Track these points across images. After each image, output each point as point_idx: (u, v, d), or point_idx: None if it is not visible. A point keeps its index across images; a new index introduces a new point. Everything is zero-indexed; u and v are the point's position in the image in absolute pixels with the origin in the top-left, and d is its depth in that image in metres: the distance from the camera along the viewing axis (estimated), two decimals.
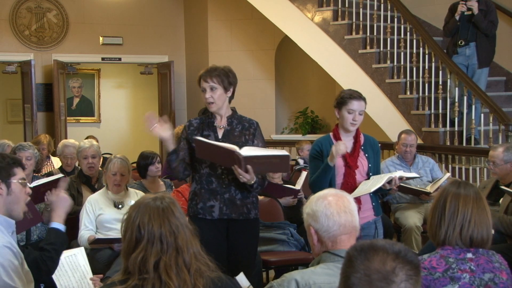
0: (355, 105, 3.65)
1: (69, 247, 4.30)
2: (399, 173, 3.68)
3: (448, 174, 5.57)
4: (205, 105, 3.61)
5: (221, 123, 3.58)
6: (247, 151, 3.29)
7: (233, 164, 3.32)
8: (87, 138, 6.89)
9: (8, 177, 2.53)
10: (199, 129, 3.57)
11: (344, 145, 3.58)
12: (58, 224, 2.79)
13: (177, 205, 2.04)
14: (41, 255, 2.65)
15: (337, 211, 2.19)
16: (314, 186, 3.64)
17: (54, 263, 2.70)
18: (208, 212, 3.49)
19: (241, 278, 2.63)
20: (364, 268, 1.54)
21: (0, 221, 2.49)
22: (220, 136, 3.55)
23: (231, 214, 3.51)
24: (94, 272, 3.33)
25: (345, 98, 3.66)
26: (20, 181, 2.57)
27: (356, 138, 3.75)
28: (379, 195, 3.94)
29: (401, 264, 1.53)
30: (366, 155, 3.74)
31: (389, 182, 3.59)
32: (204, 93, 3.51)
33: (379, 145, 3.94)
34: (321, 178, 3.60)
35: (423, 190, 5.17)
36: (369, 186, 3.59)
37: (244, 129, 3.59)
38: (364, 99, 3.70)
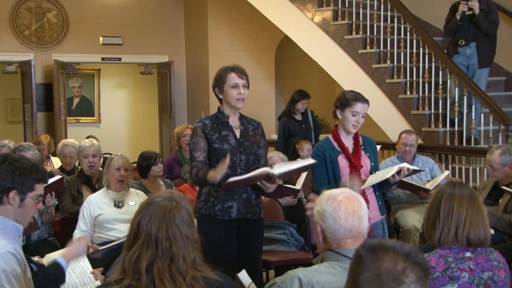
0: (359, 107, 3.65)
1: None
2: (405, 165, 3.71)
3: (447, 172, 5.57)
4: (233, 102, 3.56)
5: (235, 123, 3.61)
6: (278, 168, 3.39)
7: (260, 180, 3.41)
8: (87, 138, 6.89)
9: (26, 192, 2.52)
10: (215, 129, 3.54)
11: (358, 185, 3.50)
12: (63, 260, 2.78)
13: (182, 212, 2.00)
14: (36, 275, 2.65)
15: (345, 215, 2.15)
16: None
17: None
18: (226, 213, 3.49)
19: (243, 275, 2.64)
20: (374, 267, 1.53)
21: (8, 226, 2.49)
22: (238, 135, 3.57)
23: (247, 214, 3.54)
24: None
25: (350, 99, 3.66)
26: (35, 197, 2.56)
27: (356, 138, 3.77)
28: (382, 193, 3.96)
29: (411, 266, 1.52)
30: (367, 154, 3.77)
31: (398, 173, 3.61)
32: (236, 89, 3.53)
33: (378, 146, 3.96)
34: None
35: (422, 186, 5.18)
36: (380, 176, 3.61)
37: (255, 128, 3.67)
38: (367, 101, 3.71)
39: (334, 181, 3.66)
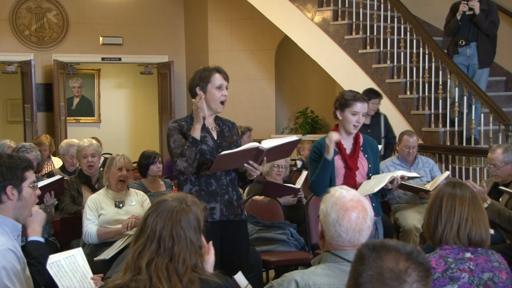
0: (359, 107, 3.64)
1: (70, 247, 4.31)
2: (400, 173, 3.68)
3: (448, 173, 5.57)
4: (214, 104, 3.50)
5: (210, 125, 3.58)
6: (267, 143, 3.35)
7: (247, 161, 3.35)
8: None
9: (20, 182, 2.54)
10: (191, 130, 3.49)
11: (337, 134, 3.57)
12: (36, 237, 2.76)
13: (190, 216, 2.01)
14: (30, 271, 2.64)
15: (346, 228, 2.11)
16: (314, 184, 3.67)
17: (41, 275, 2.68)
18: (209, 214, 3.45)
19: (239, 277, 2.64)
20: (376, 266, 1.53)
21: (7, 224, 2.50)
22: (215, 137, 3.55)
23: (229, 215, 3.51)
24: (94, 272, 3.33)
25: (349, 100, 3.64)
26: (30, 185, 2.58)
27: (356, 139, 3.76)
28: (379, 195, 3.95)
29: (413, 265, 1.53)
30: (366, 155, 3.75)
31: (391, 181, 3.60)
32: (220, 90, 3.50)
33: (379, 146, 3.94)
34: (321, 176, 3.61)
35: (422, 187, 5.17)
36: (371, 186, 3.59)
37: (230, 129, 3.65)
38: (367, 100, 3.71)
39: (329, 181, 3.66)
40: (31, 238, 2.76)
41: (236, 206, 3.54)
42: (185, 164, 3.37)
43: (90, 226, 4.22)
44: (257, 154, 3.35)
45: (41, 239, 2.76)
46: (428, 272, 1.55)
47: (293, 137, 3.55)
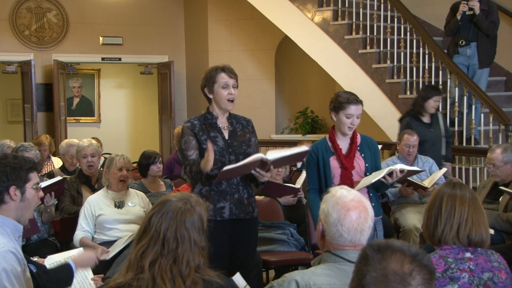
0: (353, 109, 3.65)
1: (69, 247, 4.31)
2: (399, 166, 3.69)
3: (445, 169, 5.56)
4: (223, 102, 3.53)
5: (223, 124, 3.59)
6: (272, 154, 3.35)
7: (254, 169, 3.36)
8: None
9: (24, 183, 2.53)
10: (203, 130, 3.53)
11: None
12: (73, 265, 2.85)
13: (194, 217, 2.01)
14: (39, 274, 2.65)
15: (348, 228, 2.11)
16: (309, 205, 3.79)
17: (45, 284, 2.69)
18: (218, 213, 3.48)
19: (238, 278, 2.64)
20: (381, 268, 1.52)
21: (8, 225, 2.49)
22: (226, 136, 3.56)
23: (239, 214, 3.52)
24: (94, 272, 3.33)
25: (342, 102, 3.65)
26: (34, 186, 2.57)
27: (353, 139, 3.76)
28: (379, 195, 3.95)
29: (418, 268, 1.52)
30: (363, 155, 3.75)
31: (390, 175, 3.60)
32: (226, 89, 3.51)
33: (379, 145, 3.94)
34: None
35: (420, 184, 5.15)
36: (370, 178, 3.60)
37: (243, 127, 3.65)
38: (361, 102, 3.70)
39: (325, 182, 3.68)
40: (72, 264, 2.86)
41: (246, 204, 3.55)
42: (192, 175, 3.47)
43: (78, 233, 4.25)
44: (262, 163, 3.35)
45: (74, 268, 2.86)
46: (432, 275, 1.54)
47: (302, 148, 3.53)
